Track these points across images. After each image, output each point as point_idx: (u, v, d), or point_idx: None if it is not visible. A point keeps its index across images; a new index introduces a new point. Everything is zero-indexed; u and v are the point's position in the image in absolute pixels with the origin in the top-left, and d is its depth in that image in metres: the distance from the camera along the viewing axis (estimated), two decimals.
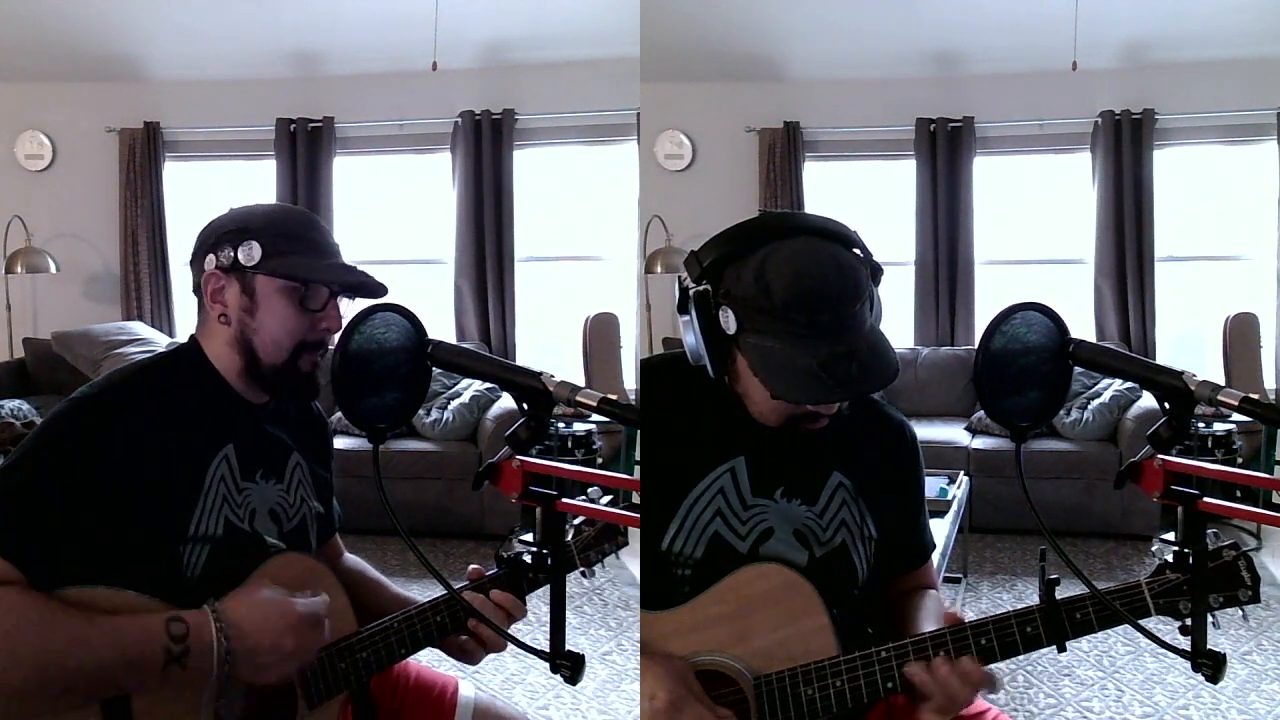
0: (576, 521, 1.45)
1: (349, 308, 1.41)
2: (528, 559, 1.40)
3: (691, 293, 1.26)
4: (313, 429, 1.59)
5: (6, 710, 1.16)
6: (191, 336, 1.46)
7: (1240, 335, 4.70)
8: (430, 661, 1.63)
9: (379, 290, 1.45)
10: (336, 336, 1.29)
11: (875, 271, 1.29)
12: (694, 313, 1.26)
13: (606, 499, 1.43)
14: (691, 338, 1.28)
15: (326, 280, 1.40)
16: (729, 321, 1.24)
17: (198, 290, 1.43)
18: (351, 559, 1.67)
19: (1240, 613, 1.26)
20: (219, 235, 1.41)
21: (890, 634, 1.32)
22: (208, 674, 1.23)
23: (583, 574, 1.46)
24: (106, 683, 1.20)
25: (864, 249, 1.29)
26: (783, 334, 1.21)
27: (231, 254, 1.38)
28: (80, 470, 1.27)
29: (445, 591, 1.35)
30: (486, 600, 1.41)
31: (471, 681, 1.64)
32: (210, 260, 1.40)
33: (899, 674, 1.27)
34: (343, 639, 1.39)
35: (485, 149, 5.62)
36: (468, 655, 1.44)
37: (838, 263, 1.23)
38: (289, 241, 1.39)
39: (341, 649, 1.38)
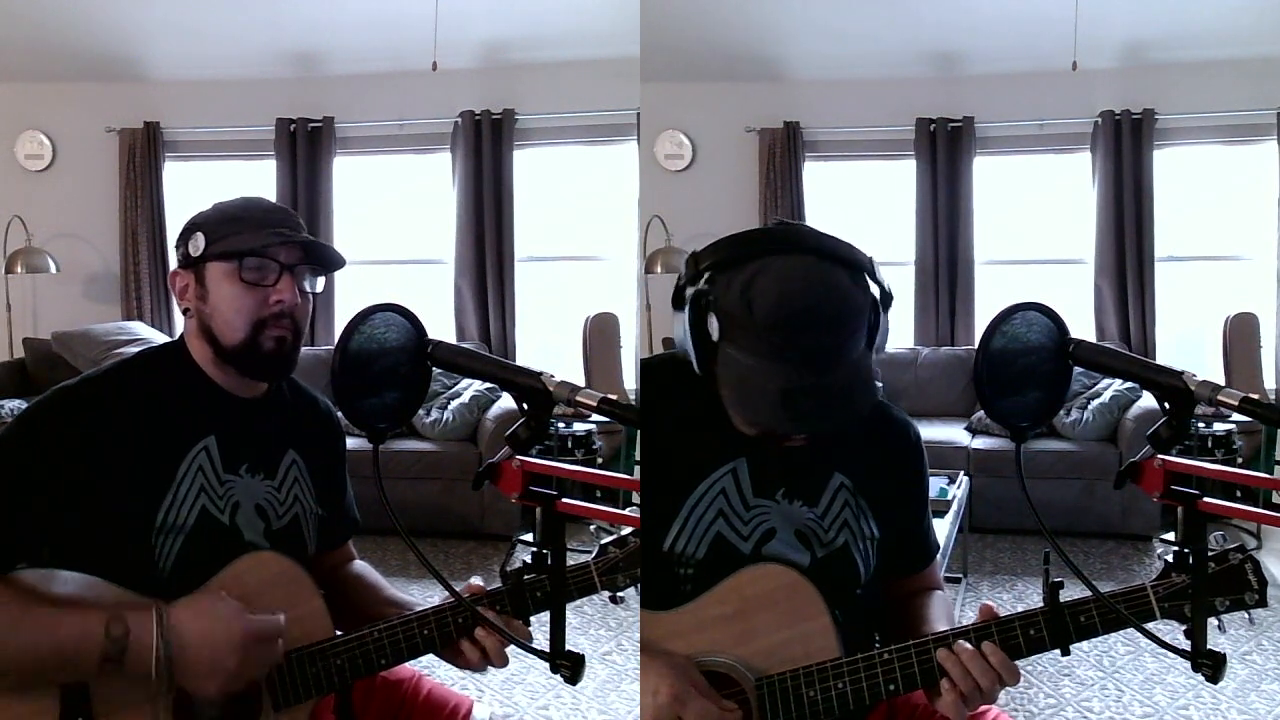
0: (604, 541, 1.42)
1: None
2: (528, 559, 1.38)
3: (688, 293, 1.25)
4: (320, 430, 1.58)
5: None
6: (181, 334, 1.49)
7: (1240, 335, 4.70)
8: (440, 676, 1.60)
9: (329, 256, 1.46)
10: (309, 319, 1.31)
11: (885, 299, 1.25)
12: (686, 312, 1.25)
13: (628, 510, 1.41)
14: (680, 332, 1.28)
15: (258, 250, 1.39)
16: (714, 328, 1.22)
17: None
18: (358, 565, 1.65)
19: (1246, 615, 1.26)
20: (179, 238, 1.46)
21: (899, 636, 1.31)
22: (148, 676, 1.22)
23: (611, 599, 1.42)
24: (39, 671, 1.22)
25: (874, 275, 1.24)
26: (757, 352, 1.18)
27: (185, 250, 1.43)
28: (52, 458, 1.29)
29: (443, 592, 1.33)
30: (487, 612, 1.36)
31: (472, 682, 1.63)
32: (175, 263, 1.46)
33: (901, 675, 1.27)
34: (317, 643, 1.36)
35: (485, 149, 5.62)
36: (471, 664, 1.39)
37: (829, 289, 1.19)
38: (232, 224, 1.41)
39: (313, 653, 1.35)
